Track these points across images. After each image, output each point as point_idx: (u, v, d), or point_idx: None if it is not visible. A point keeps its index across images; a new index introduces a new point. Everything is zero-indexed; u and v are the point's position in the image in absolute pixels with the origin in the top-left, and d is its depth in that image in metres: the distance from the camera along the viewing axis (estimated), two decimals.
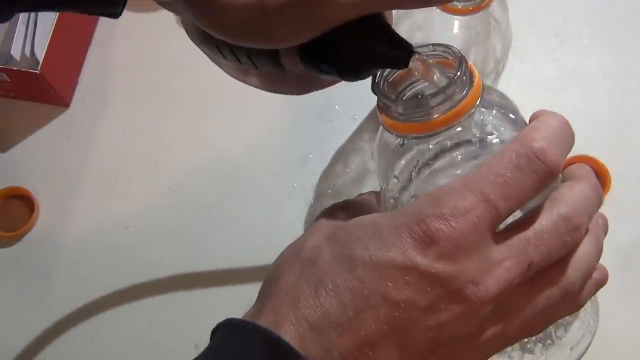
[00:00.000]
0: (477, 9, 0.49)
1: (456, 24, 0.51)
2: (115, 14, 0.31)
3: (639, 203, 0.59)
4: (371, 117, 0.63)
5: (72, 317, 0.58)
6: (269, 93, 0.64)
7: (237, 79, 0.38)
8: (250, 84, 0.38)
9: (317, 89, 0.37)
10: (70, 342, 0.58)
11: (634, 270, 0.57)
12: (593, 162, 0.57)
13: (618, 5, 0.67)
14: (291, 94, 0.37)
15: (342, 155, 0.62)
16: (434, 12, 0.49)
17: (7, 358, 0.58)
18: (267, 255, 0.59)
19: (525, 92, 0.63)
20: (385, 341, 0.27)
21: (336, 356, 0.27)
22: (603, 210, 0.33)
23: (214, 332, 0.31)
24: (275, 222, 0.60)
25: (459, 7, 0.49)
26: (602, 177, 0.58)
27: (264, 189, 0.62)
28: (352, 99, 0.64)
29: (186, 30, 0.35)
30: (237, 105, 0.65)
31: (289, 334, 0.28)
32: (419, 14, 0.51)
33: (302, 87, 0.36)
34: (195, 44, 0.35)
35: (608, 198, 0.58)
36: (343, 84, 0.65)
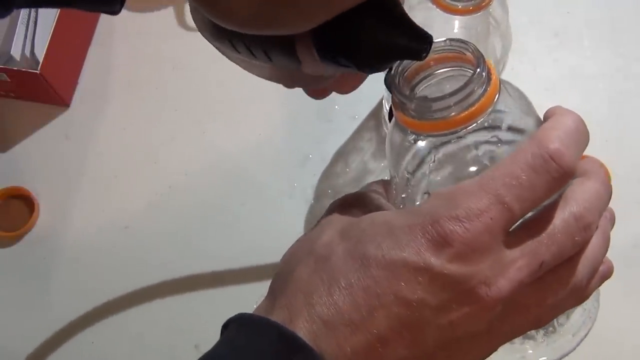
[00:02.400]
0: (477, 9, 0.49)
1: (456, 24, 0.51)
2: (114, 11, 0.31)
3: (639, 203, 0.59)
4: (371, 117, 0.63)
5: (72, 317, 0.58)
6: (269, 93, 0.65)
7: (250, 72, 0.37)
8: (263, 77, 0.37)
9: (330, 81, 0.36)
10: (70, 342, 0.58)
11: (634, 270, 0.57)
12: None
13: (618, 5, 0.67)
14: (305, 86, 0.37)
15: (342, 155, 0.62)
16: (435, 12, 0.49)
17: (7, 358, 0.58)
18: (267, 255, 0.60)
19: (525, 92, 0.63)
20: (396, 339, 0.28)
21: (348, 353, 0.27)
22: None
23: (225, 327, 0.31)
24: (275, 222, 0.60)
25: (459, 7, 0.49)
26: None
27: (264, 189, 0.62)
28: (352, 99, 0.64)
29: (197, 27, 0.34)
30: (237, 105, 0.65)
31: (302, 330, 0.28)
32: (419, 14, 0.51)
33: (316, 79, 0.35)
34: (208, 40, 0.34)
35: None
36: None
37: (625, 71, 0.64)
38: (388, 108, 0.34)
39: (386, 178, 0.37)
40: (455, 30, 0.51)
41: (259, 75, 0.37)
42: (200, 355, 0.29)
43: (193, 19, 0.34)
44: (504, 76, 0.62)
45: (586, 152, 0.58)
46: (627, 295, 0.57)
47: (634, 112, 0.62)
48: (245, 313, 0.30)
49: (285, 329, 0.28)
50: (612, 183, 0.59)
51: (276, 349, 0.28)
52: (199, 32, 0.35)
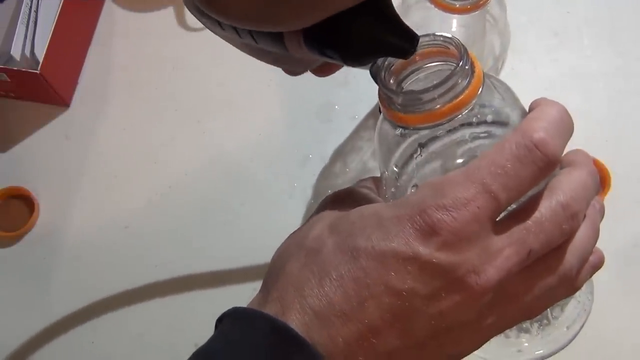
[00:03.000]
0: (475, 7, 0.49)
1: (454, 22, 0.51)
2: None
3: (639, 203, 0.59)
4: (370, 116, 0.63)
5: (72, 316, 0.58)
6: (269, 93, 0.65)
7: (238, 48, 0.37)
8: (250, 55, 0.37)
9: (316, 66, 0.36)
10: (70, 342, 0.58)
11: (633, 270, 0.57)
12: (593, 162, 0.57)
13: (618, 5, 0.67)
14: (291, 70, 0.37)
15: (341, 154, 0.62)
16: (433, 11, 0.50)
17: (7, 358, 0.58)
18: (267, 255, 0.59)
19: (525, 92, 0.63)
20: (388, 329, 0.28)
21: (341, 343, 0.28)
22: None
23: (220, 321, 0.31)
24: (275, 222, 0.60)
25: (457, 5, 0.49)
26: (602, 177, 0.58)
27: (264, 189, 0.62)
28: (351, 99, 0.64)
29: (184, 2, 0.34)
30: (237, 105, 0.65)
31: (295, 322, 0.28)
32: (417, 13, 0.51)
33: (302, 64, 0.35)
34: (193, 14, 0.34)
35: (608, 198, 0.58)
36: (342, 83, 0.65)
37: (625, 71, 0.64)
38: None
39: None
40: (454, 29, 0.51)
41: (245, 53, 0.37)
42: None
43: None
44: (503, 75, 0.63)
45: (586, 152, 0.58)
46: (627, 295, 0.57)
47: (634, 112, 0.62)
48: (239, 307, 0.30)
49: (278, 321, 0.28)
50: (612, 183, 0.59)
51: (270, 341, 0.28)
52: (186, 6, 0.34)
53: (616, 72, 0.64)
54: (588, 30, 0.66)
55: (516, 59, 0.64)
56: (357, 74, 0.64)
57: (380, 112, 0.33)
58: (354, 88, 0.64)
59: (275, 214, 0.61)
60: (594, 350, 0.55)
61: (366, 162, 0.61)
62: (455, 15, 0.50)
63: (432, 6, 0.49)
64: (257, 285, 0.59)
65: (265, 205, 0.61)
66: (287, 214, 0.61)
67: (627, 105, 0.63)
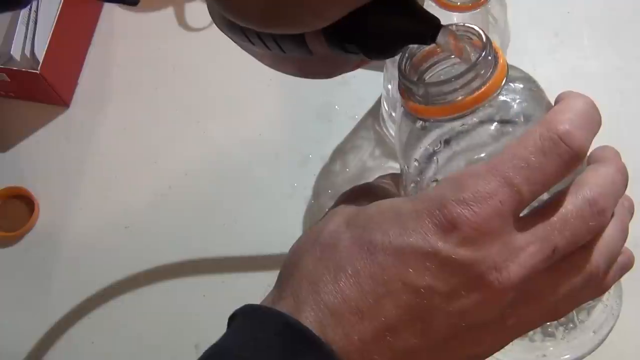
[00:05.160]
0: (476, 5, 0.49)
1: (454, 20, 0.51)
2: (134, 2, 0.31)
3: (639, 203, 0.59)
4: (369, 115, 0.63)
5: (72, 317, 0.58)
6: (269, 93, 0.65)
7: (270, 66, 0.36)
8: (283, 72, 0.36)
9: (347, 71, 0.35)
10: (70, 342, 0.58)
11: (634, 270, 0.57)
12: None
13: (618, 5, 0.67)
14: (322, 77, 0.36)
15: (340, 154, 0.62)
16: (433, 8, 0.49)
17: (7, 358, 0.58)
18: (267, 255, 0.60)
19: None
20: (405, 327, 0.27)
21: (356, 341, 0.27)
22: None
23: (232, 318, 0.30)
24: (275, 222, 0.60)
25: (458, 3, 0.49)
26: None
27: (264, 189, 0.62)
28: (351, 99, 0.64)
29: (212, 18, 0.34)
30: (237, 105, 0.65)
31: (309, 319, 0.28)
32: None
33: (331, 69, 0.34)
34: (222, 31, 0.34)
35: None
36: (342, 83, 0.65)
37: (625, 71, 0.64)
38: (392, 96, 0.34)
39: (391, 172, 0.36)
40: None
41: (279, 70, 0.36)
42: (200, 353, 0.29)
43: (209, 12, 0.34)
44: None
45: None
46: (629, 296, 0.56)
47: (634, 112, 0.62)
48: (252, 304, 0.30)
49: (292, 319, 0.27)
50: None
51: (283, 340, 0.27)
52: (215, 25, 0.34)
53: (616, 72, 0.64)
54: (588, 30, 0.66)
55: (516, 59, 0.63)
56: (357, 74, 0.64)
57: (387, 108, 0.33)
58: (354, 88, 0.64)
59: (275, 215, 0.61)
60: (594, 354, 0.54)
61: (365, 162, 0.61)
62: (456, 13, 0.50)
63: (433, 4, 0.49)
64: (257, 285, 0.59)
65: (265, 206, 0.61)
66: (287, 214, 0.61)
67: (627, 105, 0.63)
